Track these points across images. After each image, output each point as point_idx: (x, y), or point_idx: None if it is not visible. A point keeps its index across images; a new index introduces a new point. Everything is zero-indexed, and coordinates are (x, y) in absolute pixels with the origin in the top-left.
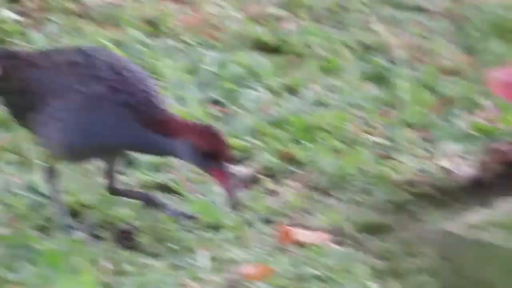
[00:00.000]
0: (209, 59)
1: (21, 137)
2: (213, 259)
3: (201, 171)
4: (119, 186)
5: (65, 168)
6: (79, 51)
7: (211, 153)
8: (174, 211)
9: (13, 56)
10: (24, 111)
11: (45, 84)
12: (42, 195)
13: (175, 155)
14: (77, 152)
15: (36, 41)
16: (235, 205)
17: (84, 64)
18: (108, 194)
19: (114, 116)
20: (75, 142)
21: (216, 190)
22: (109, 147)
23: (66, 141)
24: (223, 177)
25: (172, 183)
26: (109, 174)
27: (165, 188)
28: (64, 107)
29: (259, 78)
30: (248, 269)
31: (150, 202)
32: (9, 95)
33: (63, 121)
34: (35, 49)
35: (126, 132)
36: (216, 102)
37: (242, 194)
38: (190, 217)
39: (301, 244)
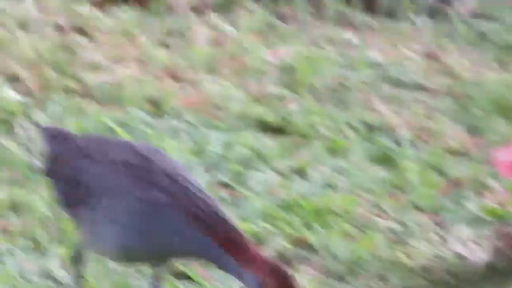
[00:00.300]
0: (214, 140)
1: (34, 221)
2: None
3: None
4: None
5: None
6: (134, 151)
7: None
8: None
9: (64, 138)
10: (74, 202)
11: (98, 179)
12: (58, 281)
13: (239, 280)
14: (131, 257)
15: (40, 121)
16: None
17: (140, 166)
18: (124, 282)
19: (178, 226)
20: (132, 248)
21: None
22: (169, 255)
23: (122, 246)
24: None
25: (187, 269)
26: (157, 277)
27: (180, 275)
28: (120, 209)
29: (265, 159)
30: None
31: None
32: (59, 181)
33: (120, 224)
34: (84, 134)
35: (192, 243)
36: (224, 185)
37: None
38: None
39: None
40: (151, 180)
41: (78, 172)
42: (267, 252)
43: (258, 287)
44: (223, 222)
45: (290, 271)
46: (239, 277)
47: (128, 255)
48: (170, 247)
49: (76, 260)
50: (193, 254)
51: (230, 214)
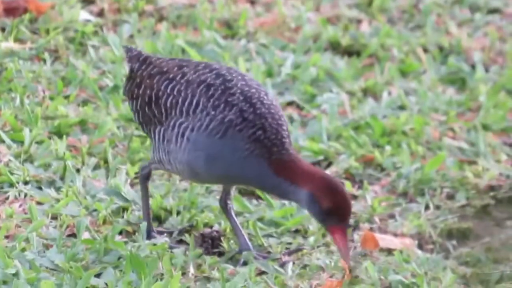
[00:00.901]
0: (285, 60)
1: (102, 140)
2: (298, 265)
3: (319, 224)
4: (227, 203)
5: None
6: (213, 71)
7: (333, 210)
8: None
9: (144, 60)
10: (149, 119)
11: (175, 97)
12: (124, 198)
13: (297, 202)
14: (197, 174)
15: (113, 42)
16: (346, 264)
17: (220, 87)
18: (190, 199)
19: (242, 148)
20: (197, 165)
21: None
22: (229, 177)
23: (189, 162)
24: (340, 236)
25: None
26: (224, 190)
27: (248, 192)
28: (192, 126)
29: (336, 80)
30: (333, 275)
31: (238, 238)
32: (136, 100)
33: (189, 141)
34: (166, 58)
35: (250, 167)
36: (294, 105)
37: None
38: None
39: (385, 250)
40: (226, 100)
41: (156, 91)
42: (333, 170)
43: (312, 204)
44: (283, 148)
45: (340, 182)
46: (297, 199)
47: (195, 173)
48: (232, 170)
49: (143, 177)
50: (252, 180)
51: (297, 134)
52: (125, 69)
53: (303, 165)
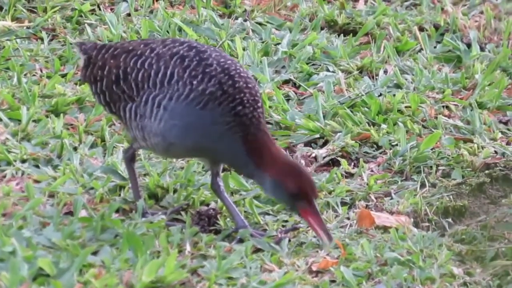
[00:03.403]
0: (282, 39)
1: (99, 118)
2: (294, 242)
3: (288, 210)
4: (219, 185)
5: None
6: (190, 46)
7: (300, 194)
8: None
9: (102, 46)
10: (118, 97)
11: (146, 71)
12: (123, 177)
13: (262, 188)
14: (171, 146)
15: (110, 21)
16: (329, 241)
17: (195, 58)
18: (186, 177)
19: (220, 120)
20: (172, 134)
21: None
22: (202, 149)
23: (164, 132)
24: (313, 217)
25: None
26: (212, 172)
27: None
28: (169, 96)
29: (332, 59)
30: (329, 252)
31: (234, 217)
32: (100, 82)
33: (166, 110)
34: (126, 41)
35: (225, 142)
36: (291, 83)
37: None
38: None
39: (381, 227)
40: (204, 71)
41: (124, 68)
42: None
43: (278, 190)
44: (258, 126)
45: (307, 170)
46: (259, 181)
47: (169, 146)
48: (206, 142)
49: (128, 159)
50: (223, 154)
51: (293, 113)
52: None
53: (271, 149)
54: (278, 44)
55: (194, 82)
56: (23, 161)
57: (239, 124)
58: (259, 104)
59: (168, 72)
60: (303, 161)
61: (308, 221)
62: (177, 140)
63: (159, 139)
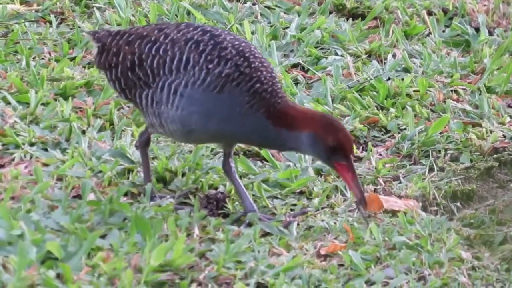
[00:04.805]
0: (291, 23)
1: (107, 102)
2: (302, 226)
3: (323, 164)
4: (231, 166)
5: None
6: (204, 30)
7: (335, 147)
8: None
9: (116, 33)
10: (133, 83)
11: (161, 57)
12: (131, 161)
13: (297, 149)
14: (191, 132)
15: (118, 4)
16: (362, 200)
17: (209, 43)
18: (195, 161)
19: (239, 100)
20: (191, 121)
21: (304, 157)
22: (225, 134)
23: (182, 119)
24: (347, 171)
25: (259, 149)
26: (225, 153)
27: (253, 154)
28: (185, 82)
29: (341, 43)
30: (337, 236)
31: (243, 201)
32: (115, 68)
33: (183, 96)
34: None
35: (249, 122)
36: (299, 67)
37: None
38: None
39: (389, 211)
40: (219, 54)
41: (139, 54)
42: None
43: (314, 144)
44: (278, 97)
45: (339, 120)
46: (298, 145)
47: (189, 132)
48: (227, 126)
49: (142, 144)
50: (250, 135)
51: (302, 96)
52: None
53: (300, 109)
54: (287, 28)
55: (210, 66)
56: (32, 144)
57: (259, 101)
58: (276, 80)
59: (184, 58)
60: None
61: (344, 177)
62: (197, 127)
63: (178, 125)
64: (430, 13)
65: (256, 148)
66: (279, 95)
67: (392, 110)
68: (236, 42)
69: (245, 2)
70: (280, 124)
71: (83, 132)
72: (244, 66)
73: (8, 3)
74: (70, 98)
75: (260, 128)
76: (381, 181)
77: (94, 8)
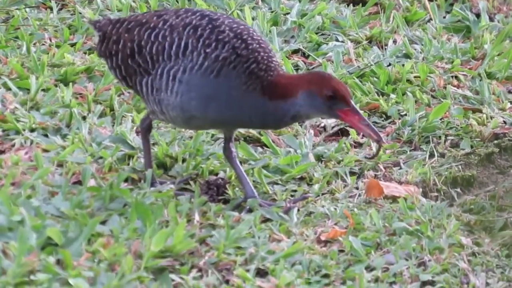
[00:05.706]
0: (291, 9)
1: (108, 88)
2: (303, 212)
3: (327, 117)
4: (231, 151)
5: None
6: (203, 15)
7: (332, 95)
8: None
9: (116, 21)
10: (133, 71)
11: (160, 43)
12: (131, 147)
13: (298, 115)
14: (191, 118)
15: None
16: (378, 137)
17: (207, 27)
18: (195, 147)
19: (236, 82)
20: (191, 107)
21: (304, 142)
22: (225, 118)
23: (182, 105)
24: (352, 115)
25: (259, 135)
26: (225, 138)
27: (254, 140)
28: (183, 68)
29: (342, 29)
30: (337, 222)
31: (244, 186)
32: (115, 56)
33: (182, 83)
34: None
35: (247, 103)
36: (300, 53)
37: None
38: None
39: (389, 197)
40: (217, 38)
41: (139, 41)
42: None
43: (313, 100)
44: (270, 71)
45: (324, 71)
46: (294, 110)
47: (189, 118)
48: (226, 110)
49: (144, 130)
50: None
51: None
52: None
53: (289, 76)
54: (288, 13)
55: (208, 50)
56: (32, 130)
57: (255, 80)
58: (273, 59)
59: (182, 43)
60: (312, 131)
61: (350, 122)
62: (197, 112)
63: (178, 112)
64: None
65: (257, 134)
66: (272, 69)
67: (392, 96)
68: (235, 25)
69: None
70: (275, 96)
71: (84, 118)
72: (241, 48)
73: None
74: (70, 84)
75: (258, 107)
76: (381, 167)
77: None
